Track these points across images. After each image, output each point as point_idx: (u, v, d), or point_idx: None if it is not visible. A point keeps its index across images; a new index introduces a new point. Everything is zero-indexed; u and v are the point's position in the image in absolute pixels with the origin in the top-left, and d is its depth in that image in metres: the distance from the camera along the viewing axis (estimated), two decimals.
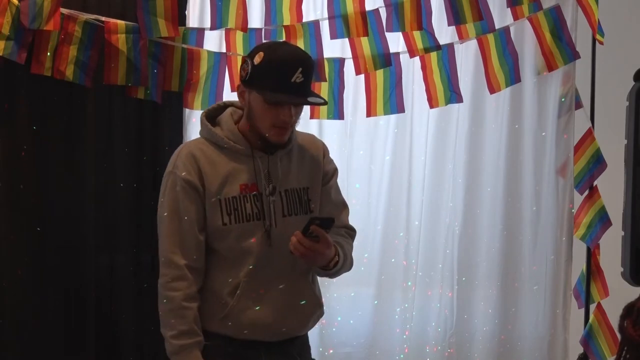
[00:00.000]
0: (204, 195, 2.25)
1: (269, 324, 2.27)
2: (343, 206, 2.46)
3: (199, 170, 2.25)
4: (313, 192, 2.37)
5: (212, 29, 3.14)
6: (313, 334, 3.24)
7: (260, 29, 3.17)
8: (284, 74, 2.17)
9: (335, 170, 2.45)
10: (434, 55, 3.26)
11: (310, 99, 2.26)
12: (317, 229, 2.14)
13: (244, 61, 2.29)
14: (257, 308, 2.25)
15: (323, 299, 2.45)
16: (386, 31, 3.19)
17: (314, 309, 2.38)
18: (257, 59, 2.21)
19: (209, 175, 2.25)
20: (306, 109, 3.24)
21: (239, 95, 2.30)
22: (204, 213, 2.26)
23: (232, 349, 2.29)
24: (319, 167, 2.38)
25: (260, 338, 2.28)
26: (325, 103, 2.38)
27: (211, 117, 2.36)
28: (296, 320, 2.33)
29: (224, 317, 2.26)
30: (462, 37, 3.30)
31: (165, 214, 2.26)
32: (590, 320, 3.38)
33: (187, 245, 2.24)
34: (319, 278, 2.44)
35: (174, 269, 2.23)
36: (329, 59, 3.21)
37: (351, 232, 2.47)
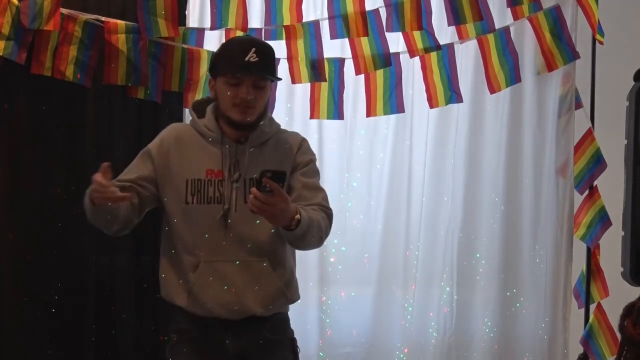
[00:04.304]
0: (156, 168, 2.42)
1: (227, 301, 2.36)
2: (316, 189, 2.48)
3: (167, 149, 2.42)
4: None
5: (212, 29, 3.14)
6: (312, 333, 3.27)
7: (260, 29, 3.17)
8: (239, 54, 2.35)
9: (311, 161, 2.51)
10: (434, 55, 3.26)
11: (265, 75, 2.38)
12: (269, 181, 2.16)
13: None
14: (216, 286, 2.36)
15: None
16: (386, 31, 3.19)
17: (274, 294, 2.42)
18: (217, 49, 2.48)
19: (176, 155, 2.42)
20: (306, 110, 3.26)
21: (210, 89, 2.47)
22: (152, 179, 2.42)
23: (198, 332, 2.40)
24: (290, 159, 2.46)
25: (223, 315, 2.37)
26: (278, 79, 2.53)
27: (200, 109, 2.51)
28: (254, 301, 2.38)
29: (188, 293, 2.38)
30: (462, 37, 3.30)
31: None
32: (590, 320, 3.38)
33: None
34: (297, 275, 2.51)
35: None
36: (329, 59, 3.21)
37: (325, 209, 2.46)
